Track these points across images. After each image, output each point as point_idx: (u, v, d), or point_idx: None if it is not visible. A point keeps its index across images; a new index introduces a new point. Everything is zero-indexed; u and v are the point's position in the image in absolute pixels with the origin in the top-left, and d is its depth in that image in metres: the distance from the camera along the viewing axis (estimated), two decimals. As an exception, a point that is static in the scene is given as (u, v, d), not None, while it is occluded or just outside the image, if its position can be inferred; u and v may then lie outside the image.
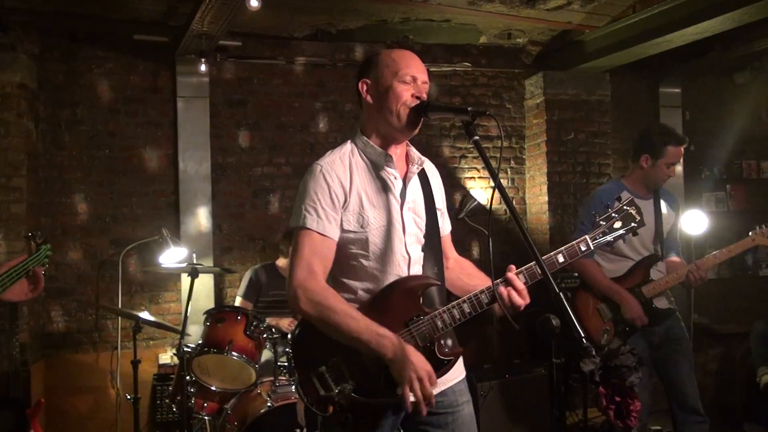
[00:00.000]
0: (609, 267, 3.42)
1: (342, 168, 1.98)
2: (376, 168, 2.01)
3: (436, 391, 1.90)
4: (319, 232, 1.90)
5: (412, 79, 1.97)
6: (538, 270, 1.89)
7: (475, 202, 5.31)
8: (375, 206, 1.97)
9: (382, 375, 1.87)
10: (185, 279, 4.73)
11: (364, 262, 1.96)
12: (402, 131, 2.00)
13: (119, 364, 4.52)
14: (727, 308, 6.02)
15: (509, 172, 5.69)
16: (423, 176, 2.12)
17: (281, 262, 4.48)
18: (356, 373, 1.90)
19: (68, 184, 4.68)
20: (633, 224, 2.03)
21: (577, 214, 3.74)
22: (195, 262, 3.79)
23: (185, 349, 3.49)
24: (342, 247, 1.96)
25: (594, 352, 1.48)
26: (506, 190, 1.76)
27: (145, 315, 3.77)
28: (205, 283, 4.68)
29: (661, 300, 3.35)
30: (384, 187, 2.00)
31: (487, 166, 1.82)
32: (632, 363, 1.42)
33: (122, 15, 4.52)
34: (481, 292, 1.93)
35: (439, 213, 2.13)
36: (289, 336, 3.66)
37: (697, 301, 5.61)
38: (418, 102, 1.96)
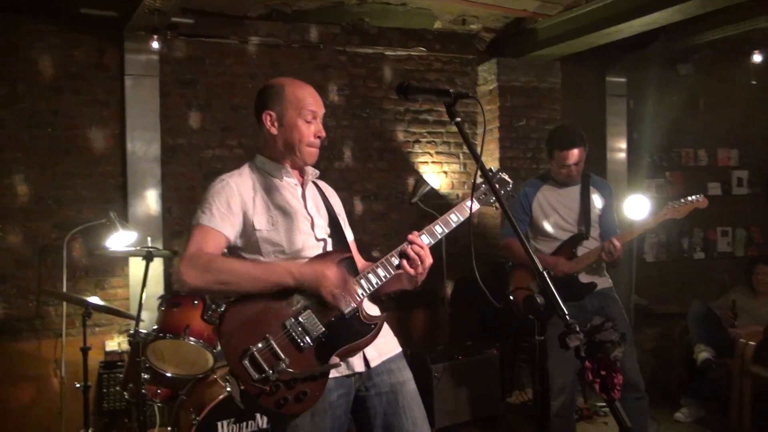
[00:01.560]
0: (541, 247, 3.70)
1: (243, 180, 2.13)
2: (275, 178, 2.17)
3: (380, 359, 2.10)
4: (211, 227, 2.01)
5: (313, 116, 2.14)
6: (437, 230, 2.16)
7: (428, 187, 5.35)
8: (280, 207, 2.11)
9: (313, 347, 1.95)
10: (133, 263, 4.63)
11: (281, 256, 2.07)
12: (303, 162, 2.18)
13: (63, 351, 4.36)
14: (664, 290, 6.28)
15: (461, 157, 5.75)
16: (318, 189, 2.31)
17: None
18: (288, 348, 1.93)
19: (7, 164, 4.44)
20: (507, 188, 2.38)
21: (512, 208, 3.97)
22: (150, 245, 3.67)
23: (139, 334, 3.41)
24: (258, 246, 2.06)
25: (578, 329, 1.51)
26: (480, 171, 1.82)
27: (95, 300, 3.65)
28: (154, 267, 4.48)
29: (583, 275, 3.57)
30: (286, 191, 2.16)
31: (470, 148, 1.85)
32: (615, 338, 1.46)
33: (67, -13, 4.32)
34: (391, 255, 2.08)
35: (340, 219, 2.28)
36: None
37: (637, 284, 5.85)
38: (318, 141, 2.16)
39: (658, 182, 6.37)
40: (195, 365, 3.53)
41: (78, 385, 3.71)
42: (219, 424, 3.18)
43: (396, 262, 2.05)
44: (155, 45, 4.36)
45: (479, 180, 2.28)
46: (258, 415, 3.26)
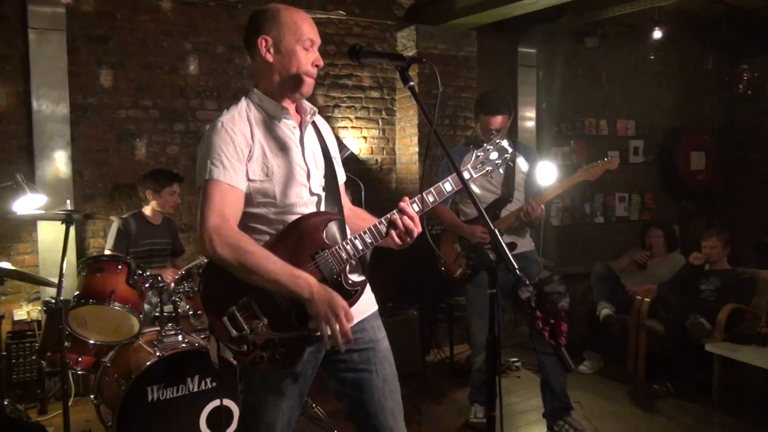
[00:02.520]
0: (467, 210, 3.85)
1: (242, 122, 1.99)
2: (273, 120, 2.05)
3: (352, 323, 1.98)
4: (227, 183, 1.91)
5: (311, 44, 2.03)
6: (429, 198, 2.08)
7: (349, 151, 5.38)
8: (277, 155, 2.00)
9: (293, 310, 1.92)
10: (43, 228, 4.41)
11: (272, 209, 1.99)
12: (300, 94, 2.06)
13: (-31, 322, 4.11)
14: (569, 252, 6.68)
15: (380, 123, 5.81)
16: (315, 126, 2.20)
17: (147, 209, 4.29)
18: (267, 310, 1.92)
19: None
20: (506, 155, 2.25)
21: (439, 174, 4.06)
22: (68, 209, 3.51)
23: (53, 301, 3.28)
24: (249, 197, 1.98)
25: (528, 282, 1.62)
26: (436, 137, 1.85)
27: (6, 266, 3.46)
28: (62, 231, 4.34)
29: (505, 236, 3.68)
30: (284, 138, 2.04)
31: (424, 113, 1.90)
32: (562, 290, 1.58)
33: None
34: (380, 222, 2.02)
35: (334, 161, 2.20)
36: (172, 285, 3.56)
37: (544, 247, 6.19)
38: (316, 70, 2.04)
39: (564, 150, 6.70)
40: (119, 331, 3.44)
41: (-9, 356, 3.52)
42: (149, 389, 3.12)
43: (384, 229, 2.01)
44: (64, -3, 4.10)
45: (478, 151, 2.20)
46: (189, 379, 3.23)
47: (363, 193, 5.28)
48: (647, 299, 4.96)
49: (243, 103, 2.05)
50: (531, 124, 6.41)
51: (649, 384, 4.59)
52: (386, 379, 2.11)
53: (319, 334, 1.86)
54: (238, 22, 5.09)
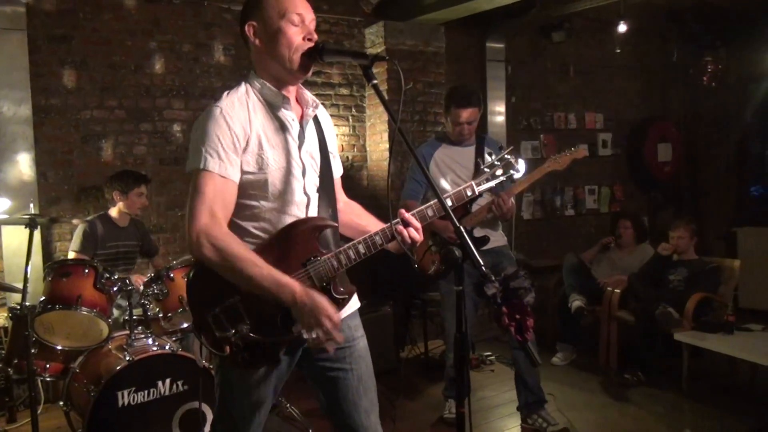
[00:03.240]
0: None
1: (242, 109, 1.92)
2: (273, 109, 1.98)
3: (337, 328, 1.98)
4: (220, 175, 1.85)
5: (300, 19, 1.92)
6: (428, 213, 2.04)
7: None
8: (274, 147, 1.94)
9: (278, 314, 1.90)
10: (6, 233, 4.31)
11: (263, 203, 1.94)
12: (294, 75, 1.96)
13: (-68, 330, 4.01)
14: (540, 245, 6.75)
15: (350, 120, 5.80)
16: (315, 119, 2.12)
17: (114, 211, 4.22)
18: (252, 313, 1.89)
19: None
20: (512, 171, 2.21)
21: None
22: (32, 213, 3.44)
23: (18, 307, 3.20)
24: (241, 189, 1.92)
25: (493, 278, 1.62)
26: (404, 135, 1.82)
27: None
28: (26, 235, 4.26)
29: (478, 230, 3.73)
30: (282, 129, 1.97)
31: (388, 111, 1.87)
32: (527, 285, 1.58)
33: None
34: (375, 234, 1.99)
35: (331, 156, 2.14)
36: (141, 288, 3.52)
37: (516, 240, 6.24)
38: (311, 45, 1.94)
39: (534, 144, 6.76)
40: (87, 336, 3.39)
41: (-44, 365, 3.44)
42: (119, 393, 3.08)
43: (379, 241, 1.97)
44: (24, -5, 4.01)
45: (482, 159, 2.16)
46: (160, 382, 3.19)
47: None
48: (618, 290, 5.03)
49: (243, 87, 1.97)
50: (501, 118, 6.45)
51: (620, 374, 4.65)
52: (361, 378, 2.10)
53: (304, 337, 1.84)
54: (203, 19, 5.03)
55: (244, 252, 1.83)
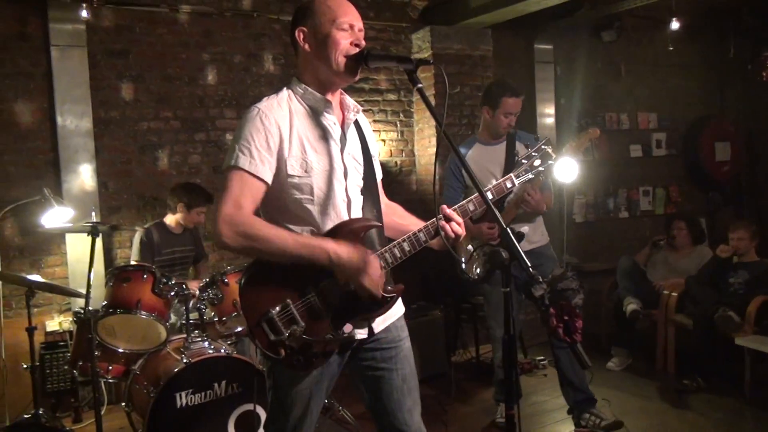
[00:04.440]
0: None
1: (281, 112, 1.98)
2: (315, 114, 2.03)
3: (383, 325, 2.08)
4: (251, 173, 1.90)
5: (349, 26, 1.99)
6: (470, 207, 2.09)
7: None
8: (317, 151, 1.99)
9: (329, 315, 1.96)
10: (71, 241, 4.50)
11: (308, 206, 1.99)
12: (342, 78, 2.02)
13: (2, 334, 4.21)
14: (593, 248, 6.62)
15: (398, 125, 5.83)
16: (356, 123, 2.17)
17: (169, 219, 4.36)
18: (305, 315, 1.95)
19: (-73, 142, 4.22)
20: (550, 161, 2.23)
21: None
22: (94, 221, 3.59)
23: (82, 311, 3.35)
24: (286, 192, 1.98)
25: (541, 279, 1.62)
26: (445, 139, 1.83)
27: (37, 278, 3.54)
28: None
29: (517, 226, 3.65)
30: (324, 133, 2.03)
31: (433, 114, 1.91)
32: (575, 286, 1.58)
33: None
34: (419, 230, 2.04)
35: (373, 159, 2.20)
36: (197, 293, 3.62)
37: (568, 243, 6.15)
38: (358, 50, 1.99)
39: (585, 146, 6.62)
40: (147, 339, 3.50)
41: (25, 366, 3.60)
42: (177, 395, 3.18)
43: (423, 238, 2.02)
44: (84, 14, 4.20)
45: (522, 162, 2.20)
46: (216, 384, 3.27)
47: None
48: (674, 294, 4.90)
49: (285, 92, 2.04)
50: (550, 120, 6.37)
51: (678, 379, 4.53)
52: (405, 378, 2.14)
53: (354, 337, 1.92)
54: (253, 30, 5.15)
55: (269, 229, 1.89)
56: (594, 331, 5.58)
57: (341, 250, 1.88)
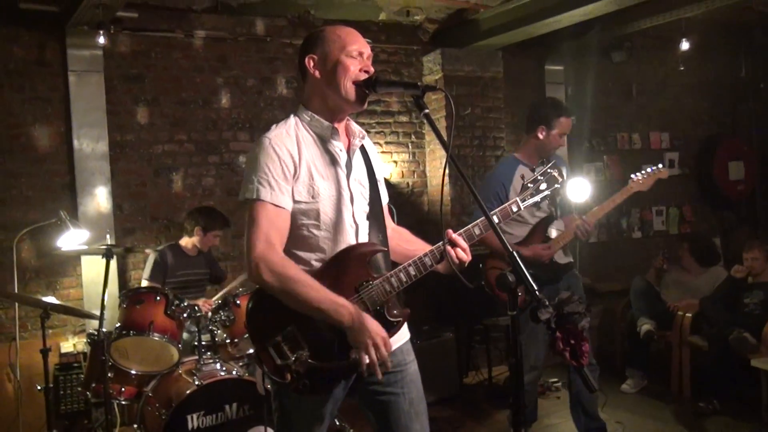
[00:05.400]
0: (512, 231, 3.62)
1: (290, 140, 2.01)
2: (322, 141, 2.07)
3: (389, 352, 2.04)
4: (273, 204, 1.94)
5: (359, 53, 2.04)
6: (475, 231, 2.09)
7: None
8: (324, 177, 2.02)
9: (335, 341, 1.96)
10: (86, 263, 4.55)
11: (315, 232, 2.02)
12: (350, 104, 2.06)
13: (18, 356, 4.25)
14: (606, 268, 6.58)
15: (410, 147, 5.86)
16: (362, 149, 2.21)
17: (185, 241, 4.40)
18: (311, 340, 1.96)
19: (-53, 165, 4.31)
20: (556, 185, 2.22)
21: (479, 195, 3.92)
22: (109, 243, 3.64)
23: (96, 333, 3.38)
24: (293, 218, 2.00)
25: (547, 303, 1.62)
26: (454, 164, 1.84)
27: (51, 300, 3.59)
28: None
29: (560, 256, 3.62)
30: (331, 159, 2.06)
31: (439, 138, 1.93)
32: (582, 309, 1.58)
33: (3, -19, 4.19)
34: (425, 255, 2.05)
35: (379, 184, 2.22)
36: (209, 314, 3.64)
37: (580, 263, 6.10)
38: (366, 76, 2.02)
39: (597, 165, 6.64)
40: (159, 361, 3.53)
41: (39, 388, 3.63)
42: (189, 417, 3.19)
43: (429, 262, 2.03)
44: (101, 40, 4.28)
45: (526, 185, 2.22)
46: (227, 406, 3.29)
47: (395, 217, 5.31)
48: (689, 314, 4.86)
49: (292, 120, 2.07)
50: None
51: (694, 402, 4.48)
52: (413, 402, 2.13)
53: (360, 363, 1.91)
54: (267, 54, 5.23)
55: (301, 275, 1.91)
56: (608, 353, 5.53)
57: (362, 319, 1.90)
